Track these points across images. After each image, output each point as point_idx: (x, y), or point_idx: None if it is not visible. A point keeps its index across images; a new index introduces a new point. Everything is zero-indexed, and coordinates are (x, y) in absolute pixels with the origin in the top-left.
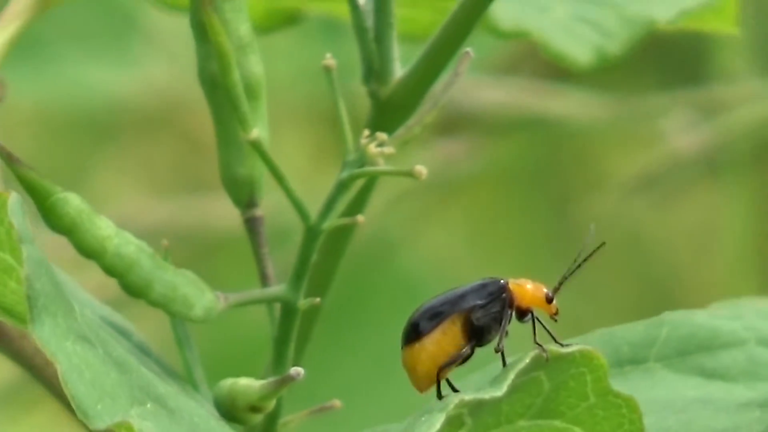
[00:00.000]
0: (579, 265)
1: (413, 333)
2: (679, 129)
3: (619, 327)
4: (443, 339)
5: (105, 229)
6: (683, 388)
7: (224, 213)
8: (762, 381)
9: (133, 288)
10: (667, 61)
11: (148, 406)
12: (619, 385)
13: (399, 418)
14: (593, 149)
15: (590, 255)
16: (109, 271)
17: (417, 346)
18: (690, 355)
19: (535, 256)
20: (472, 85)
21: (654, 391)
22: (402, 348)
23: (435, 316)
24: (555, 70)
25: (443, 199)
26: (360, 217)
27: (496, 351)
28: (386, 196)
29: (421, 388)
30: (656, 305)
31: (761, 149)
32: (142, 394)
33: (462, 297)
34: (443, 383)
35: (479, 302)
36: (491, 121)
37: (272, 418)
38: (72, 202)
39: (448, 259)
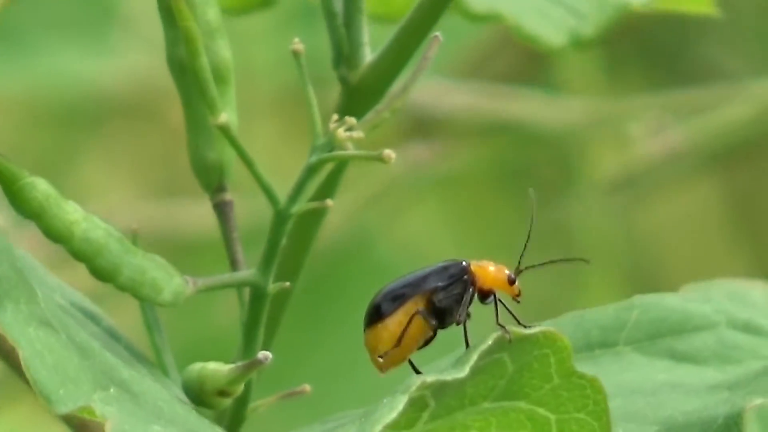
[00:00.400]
0: (553, 261)
1: (375, 314)
2: (652, 131)
3: (590, 310)
4: (405, 320)
5: (72, 213)
6: (653, 371)
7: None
8: (732, 364)
9: (101, 272)
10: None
11: (112, 390)
12: (589, 368)
13: (370, 402)
14: (567, 151)
15: (561, 261)
16: (77, 255)
17: (379, 326)
18: (660, 338)
19: (509, 256)
20: (442, 89)
21: (624, 374)
22: (364, 330)
23: (397, 297)
24: (527, 64)
25: (417, 199)
26: (329, 201)
27: (457, 324)
28: (359, 193)
29: (383, 369)
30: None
31: (737, 149)
32: (105, 379)
33: (424, 278)
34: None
35: (441, 284)
36: (462, 124)
37: (242, 402)
38: (39, 186)
39: (423, 250)
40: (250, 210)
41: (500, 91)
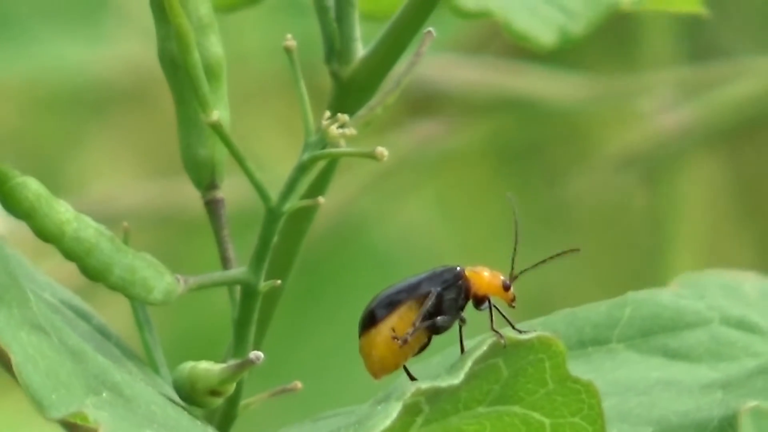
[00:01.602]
0: (545, 261)
1: (370, 320)
2: (660, 107)
3: (582, 307)
4: (399, 325)
5: (64, 213)
6: (646, 369)
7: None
8: (725, 361)
9: (92, 271)
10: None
11: (104, 395)
12: (582, 366)
13: (364, 399)
14: (573, 128)
15: (555, 256)
16: (68, 255)
17: (373, 332)
18: (653, 335)
19: (508, 236)
20: (445, 64)
21: (617, 372)
22: (359, 336)
23: (391, 303)
24: (520, 51)
25: (418, 178)
26: (321, 199)
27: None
28: (358, 175)
29: (377, 375)
30: (651, 277)
31: (746, 125)
32: (97, 383)
33: (418, 284)
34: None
35: (435, 289)
36: (466, 100)
37: (233, 400)
38: (30, 186)
39: (421, 237)
40: (245, 195)
41: (508, 66)
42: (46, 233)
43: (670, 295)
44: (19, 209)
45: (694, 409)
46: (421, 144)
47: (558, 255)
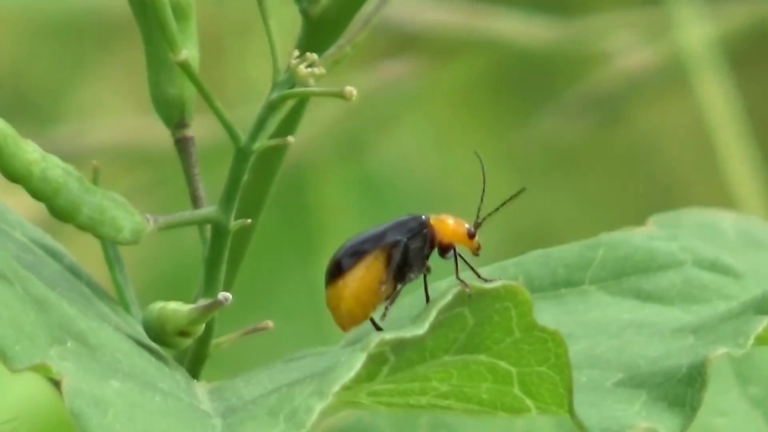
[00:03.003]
0: (501, 206)
1: (336, 270)
2: (625, 48)
3: (556, 248)
4: (366, 275)
5: (31, 153)
6: (618, 311)
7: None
8: (697, 303)
9: (60, 212)
10: None
11: (69, 344)
12: (554, 308)
13: (336, 339)
14: (539, 69)
15: (510, 199)
16: (36, 195)
17: (340, 283)
18: (626, 277)
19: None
20: (415, 6)
21: (589, 314)
22: (325, 287)
23: (357, 253)
24: None
25: (390, 118)
26: (290, 138)
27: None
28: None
29: (345, 327)
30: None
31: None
32: (62, 332)
33: (384, 233)
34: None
35: (400, 238)
36: (436, 42)
37: (204, 340)
38: None
39: (396, 171)
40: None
41: (475, 8)
42: (13, 173)
43: (643, 237)
44: None
45: (664, 355)
46: (388, 84)
47: (512, 197)
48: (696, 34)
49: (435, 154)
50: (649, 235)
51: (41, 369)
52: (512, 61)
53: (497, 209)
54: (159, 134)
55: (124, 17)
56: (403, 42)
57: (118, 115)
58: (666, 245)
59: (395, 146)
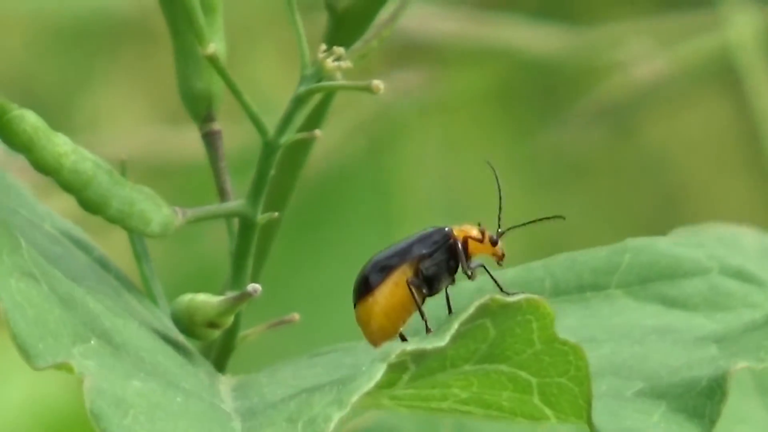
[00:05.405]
0: (532, 221)
1: (364, 287)
2: (638, 57)
3: (582, 252)
4: (395, 291)
5: (62, 145)
6: (643, 316)
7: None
8: (721, 311)
9: (90, 204)
10: None
11: (92, 342)
12: (580, 311)
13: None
14: (551, 79)
15: (542, 219)
16: (66, 187)
17: (370, 300)
18: (651, 282)
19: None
20: (426, 16)
21: (614, 318)
22: (355, 305)
23: (384, 268)
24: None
25: (405, 126)
26: (317, 132)
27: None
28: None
29: (376, 342)
30: (672, 219)
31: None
32: (86, 330)
33: (409, 247)
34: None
35: (426, 251)
36: (448, 52)
37: (231, 332)
38: (28, 118)
39: (410, 180)
40: (244, 136)
41: (487, 18)
42: (44, 165)
43: (669, 243)
44: (17, 142)
45: (685, 365)
46: (400, 94)
47: (544, 219)
48: (744, 32)
49: (446, 163)
50: (675, 242)
51: (64, 367)
52: (524, 70)
53: (525, 224)
54: (171, 144)
55: (133, 24)
56: (415, 52)
57: (128, 121)
58: (692, 252)
59: (409, 155)
